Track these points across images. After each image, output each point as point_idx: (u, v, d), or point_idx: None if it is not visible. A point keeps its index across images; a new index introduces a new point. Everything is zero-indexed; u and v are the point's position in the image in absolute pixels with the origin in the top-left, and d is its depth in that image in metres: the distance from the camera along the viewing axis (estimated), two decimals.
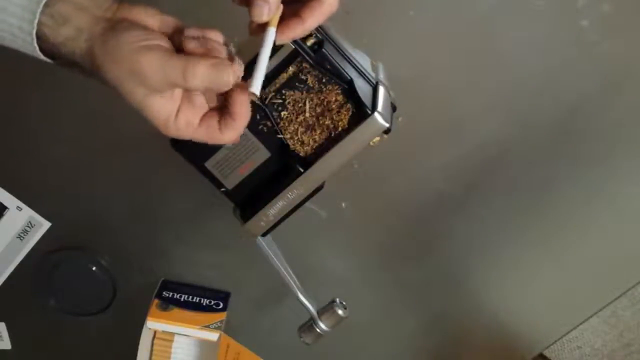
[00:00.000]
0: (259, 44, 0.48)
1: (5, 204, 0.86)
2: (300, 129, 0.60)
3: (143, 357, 0.92)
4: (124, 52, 0.45)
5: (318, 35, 0.59)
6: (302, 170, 0.60)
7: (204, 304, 0.91)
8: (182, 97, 0.49)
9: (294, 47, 0.57)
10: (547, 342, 0.97)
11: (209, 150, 0.61)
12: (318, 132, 0.60)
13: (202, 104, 0.50)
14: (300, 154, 0.60)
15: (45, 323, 0.97)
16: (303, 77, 0.59)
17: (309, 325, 0.75)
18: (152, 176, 0.86)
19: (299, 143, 0.60)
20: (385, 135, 0.59)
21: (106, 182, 0.87)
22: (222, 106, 0.50)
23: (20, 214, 0.87)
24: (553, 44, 0.77)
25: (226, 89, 0.47)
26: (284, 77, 0.59)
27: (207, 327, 0.88)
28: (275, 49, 0.56)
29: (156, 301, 0.90)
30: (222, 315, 0.90)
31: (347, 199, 0.86)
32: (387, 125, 0.58)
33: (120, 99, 0.48)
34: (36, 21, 0.46)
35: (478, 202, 0.87)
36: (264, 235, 0.65)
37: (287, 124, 0.60)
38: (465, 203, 0.87)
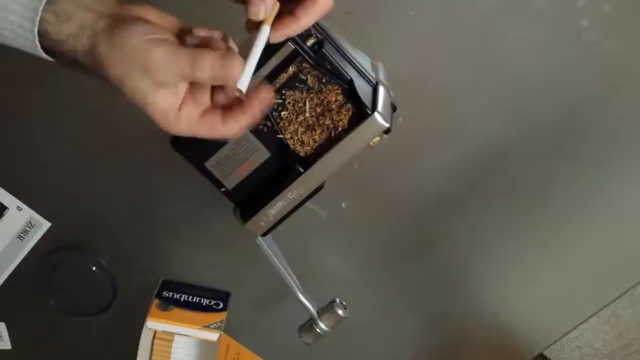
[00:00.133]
0: (252, 41, 0.49)
1: (5, 204, 0.86)
2: (300, 129, 0.60)
3: (143, 357, 0.92)
4: (132, 44, 0.45)
5: (318, 35, 0.59)
6: (302, 170, 0.60)
7: (204, 304, 0.91)
8: (186, 92, 0.49)
9: (294, 47, 0.57)
10: (547, 342, 0.97)
11: (209, 150, 0.61)
12: (318, 132, 0.60)
13: (204, 101, 0.50)
14: (300, 154, 0.60)
15: (45, 323, 0.97)
16: (303, 77, 0.59)
17: (309, 325, 0.75)
18: (152, 176, 0.86)
19: (299, 143, 0.60)
20: (385, 135, 0.59)
21: (106, 182, 0.87)
22: (224, 103, 0.50)
23: (20, 214, 0.87)
24: (553, 44, 0.77)
25: (232, 80, 0.47)
26: (284, 77, 0.59)
27: (207, 327, 0.88)
28: (276, 48, 0.57)
29: (156, 301, 0.90)
30: (222, 315, 0.90)
31: (347, 199, 0.86)
32: (387, 125, 0.58)
33: (121, 97, 0.47)
34: (38, 19, 0.46)
35: (478, 202, 0.87)
36: (264, 235, 0.65)
37: (287, 124, 0.60)
38: (465, 203, 0.87)
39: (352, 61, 0.61)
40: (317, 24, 0.59)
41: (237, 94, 0.48)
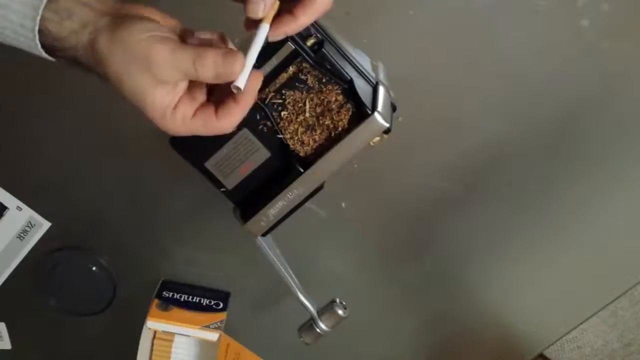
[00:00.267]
0: (251, 40, 0.49)
1: (5, 204, 0.86)
2: (300, 129, 0.60)
3: (143, 357, 0.92)
4: (135, 40, 0.45)
5: (318, 35, 0.59)
6: (302, 170, 0.60)
7: (204, 304, 0.91)
8: (184, 91, 0.49)
9: (294, 47, 0.57)
10: (547, 342, 0.97)
11: (208, 150, 0.61)
12: (318, 132, 0.60)
13: (200, 98, 0.50)
14: (300, 154, 0.60)
15: (45, 323, 0.97)
16: (303, 77, 0.59)
17: (309, 325, 0.75)
18: (152, 176, 0.86)
19: (299, 143, 0.60)
20: (385, 135, 0.59)
21: (106, 182, 0.87)
22: (217, 99, 0.50)
23: (20, 214, 0.87)
24: (553, 44, 0.77)
25: (234, 78, 0.47)
26: (284, 77, 0.59)
27: (207, 327, 0.88)
28: (276, 48, 0.57)
29: (156, 301, 0.90)
30: (222, 315, 0.90)
31: (347, 199, 0.86)
32: (387, 125, 0.58)
33: (119, 96, 0.48)
34: (39, 18, 0.46)
35: (478, 202, 0.87)
36: (264, 235, 0.65)
37: (287, 124, 0.60)
38: (465, 203, 0.87)
39: (352, 61, 0.60)
40: (317, 24, 0.59)
41: (235, 91, 0.48)
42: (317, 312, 0.74)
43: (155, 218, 0.90)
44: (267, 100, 0.59)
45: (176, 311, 0.89)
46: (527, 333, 0.96)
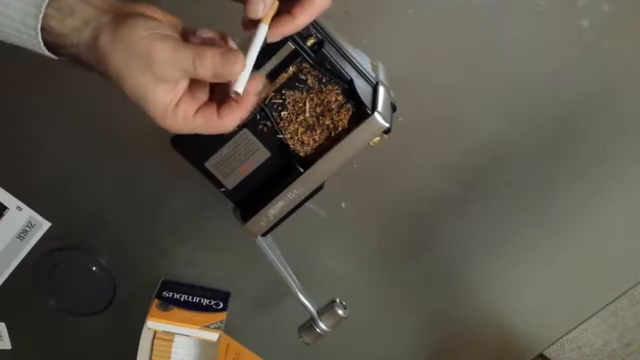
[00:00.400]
0: (250, 40, 0.49)
1: (5, 204, 0.86)
2: (300, 129, 0.60)
3: (143, 357, 0.92)
4: (136, 37, 0.46)
5: (318, 35, 0.59)
6: (302, 170, 0.60)
7: (204, 304, 0.91)
8: (185, 89, 0.49)
9: (294, 47, 0.57)
10: (547, 342, 0.97)
11: (209, 150, 0.61)
12: (318, 132, 0.60)
13: (201, 97, 0.50)
14: (300, 154, 0.60)
15: (45, 323, 0.97)
16: (303, 77, 0.59)
17: (309, 325, 0.75)
18: (152, 176, 0.86)
19: (299, 143, 0.60)
20: (385, 135, 0.59)
21: (106, 182, 0.87)
22: (220, 98, 0.50)
23: (20, 214, 0.87)
24: (553, 44, 0.77)
25: (234, 77, 0.47)
26: (284, 77, 0.59)
27: (207, 327, 0.88)
28: (276, 48, 0.57)
29: (156, 301, 0.90)
30: (222, 315, 0.90)
31: (347, 199, 0.86)
32: (387, 125, 0.58)
33: (120, 96, 0.48)
34: (41, 15, 0.46)
35: (477, 202, 0.87)
36: (264, 235, 0.65)
37: (287, 124, 0.60)
38: (465, 203, 0.87)
39: (352, 61, 0.61)
40: (317, 24, 0.59)
41: (234, 96, 0.48)
42: (317, 312, 0.74)
43: (155, 218, 0.90)
44: (267, 100, 0.59)
45: (176, 311, 0.89)
46: (527, 333, 0.96)
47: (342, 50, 0.60)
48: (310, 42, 0.58)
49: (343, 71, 0.58)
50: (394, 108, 0.63)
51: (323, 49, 0.58)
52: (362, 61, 0.62)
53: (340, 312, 0.74)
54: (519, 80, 0.79)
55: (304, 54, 0.57)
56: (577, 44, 0.77)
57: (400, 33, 0.77)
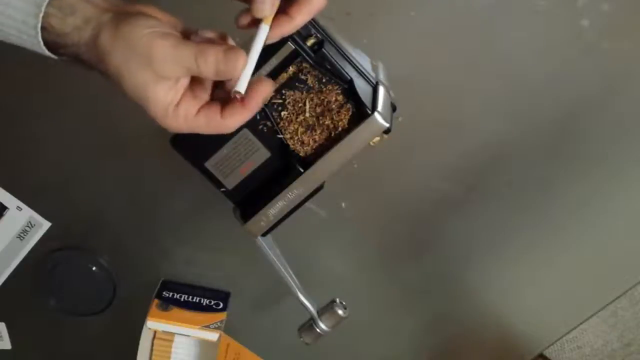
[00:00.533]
0: (250, 41, 0.49)
1: (5, 204, 0.86)
2: (300, 129, 0.60)
3: (143, 357, 0.92)
4: (137, 35, 0.46)
5: (318, 35, 0.59)
6: (302, 170, 0.60)
7: (204, 304, 0.91)
8: (186, 88, 0.49)
9: (294, 47, 0.57)
10: (547, 342, 0.97)
11: (209, 150, 0.61)
12: (318, 132, 0.60)
13: (203, 96, 0.50)
14: (300, 154, 0.60)
15: (45, 323, 0.97)
16: (303, 77, 0.59)
17: (309, 325, 0.75)
18: (152, 176, 0.86)
19: (299, 143, 0.60)
20: (385, 135, 0.59)
21: (106, 182, 0.87)
22: (223, 98, 0.50)
23: (20, 214, 0.87)
24: (553, 44, 0.77)
25: (236, 75, 0.47)
26: (284, 77, 0.59)
27: (207, 327, 0.88)
28: (276, 48, 0.57)
29: (156, 301, 0.90)
30: (222, 315, 0.90)
31: (347, 199, 0.86)
32: (387, 125, 0.58)
33: (120, 95, 0.48)
34: (42, 15, 0.46)
35: (478, 202, 0.87)
36: (264, 235, 0.65)
37: (287, 124, 0.60)
38: (465, 203, 0.87)
39: (352, 61, 0.61)
40: (317, 24, 0.59)
41: (237, 96, 0.48)
42: (317, 312, 0.74)
43: (155, 218, 0.90)
44: (267, 100, 0.59)
45: (176, 311, 0.89)
46: (527, 333, 0.96)
47: (342, 50, 0.60)
48: (310, 42, 0.58)
49: (343, 71, 0.58)
50: (394, 108, 0.63)
51: (323, 49, 0.58)
52: (362, 61, 0.62)
53: (340, 312, 0.74)
54: (519, 80, 0.79)
55: (304, 54, 0.57)
56: (577, 44, 0.77)
57: (401, 34, 0.77)
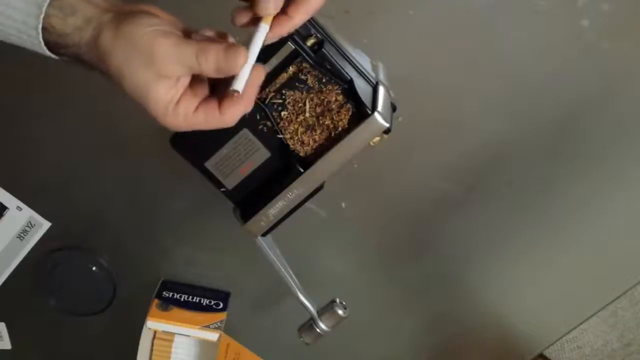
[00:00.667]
0: (249, 41, 0.49)
1: (5, 204, 0.86)
2: (300, 129, 0.60)
3: (143, 357, 0.92)
4: (139, 34, 0.46)
5: (318, 35, 0.59)
6: (302, 170, 0.60)
7: (204, 304, 0.91)
8: (186, 86, 0.49)
9: (294, 47, 0.57)
10: (547, 342, 0.97)
11: (209, 150, 0.61)
12: (318, 132, 0.60)
13: (202, 93, 0.50)
14: (300, 154, 0.60)
15: (45, 323, 0.97)
16: (303, 77, 0.59)
17: (309, 325, 0.75)
18: (152, 176, 0.86)
19: (299, 143, 0.60)
20: (385, 135, 0.59)
21: (106, 182, 0.87)
22: (220, 93, 0.50)
23: (20, 214, 0.87)
24: (553, 44, 0.77)
25: (236, 71, 0.47)
26: (284, 77, 0.59)
27: (207, 327, 0.88)
28: (276, 48, 0.57)
29: (156, 301, 0.90)
30: (222, 315, 0.90)
31: (347, 199, 0.86)
32: (387, 125, 0.58)
33: (120, 96, 0.48)
34: (42, 15, 0.46)
35: (478, 202, 0.87)
36: (264, 235, 0.65)
37: (287, 124, 0.60)
38: (465, 203, 0.87)
39: (352, 61, 0.61)
40: (317, 24, 0.59)
41: (235, 95, 0.48)
42: (317, 312, 0.74)
43: (155, 218, 0.90)
44: (267, 100, 0.59)
45: (176, 311, 0.89)
46: (527, 333, 0.96)
47: (342, 50, 0.60)
48: (310, 42, 0.58)
49: (343, 71, 0.58)
50: (394, 108, 0.63)
51: (323, 49, 0.58)
52: (362, 61, 0.62)
53: (340, 312, 0.74)
54: (519, 80, 0.79)
55: (304, 54, 0.57)
56: (577, 44, 0.77)
57: (401, 33, 0.77)
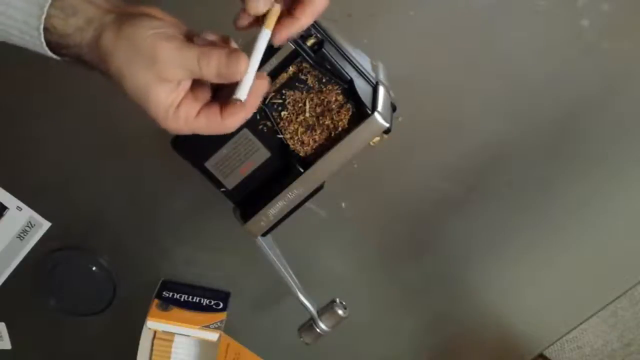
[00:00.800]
0: (251, 46, 0.49)
1: (5, 204, 0.86)
2: (300, 129, 0.60)
3: (143, 357, 0.92)
4: (141, 36, 0.46)
5: (318, 35, 0.59)
6: (302, 170, 0.60)
7: (204, 304, 0.91)
8: (187, 90, 0.49)
9: (294, 47, 0.57)
10: (547, 342, 0.97)
11: (208, 150, 0.61)
12: (318, 132, 0.60)
13: (204, 98, 0.50)
14: (300, 154, 0.60)
15: (45, 323, 0.97)
16: (303, 77, 0.59)
17: (309, 325, 0.75)
18: (152, 176, 0.86)
19: (299, 143, 0.60)
20: (385, 135, 0.59)
21: (106, 182, 0.87)
22: (222, 98, 0.50)
23: (20, 214, 0.87)
24: (553, 44, 0.77)
25: (238, 78, 0.47)
26: (284, 77, 0.59)
27: (207, 327, 0.88)
28: (276, 48, 0.56)
29: (156, 301, 0.90)
30: (222, 315, 0.90)
31: (347, 199, 0.86)
32: (387, 125, 0.58)
33: (120, 96, 0.48)
34: (44, 16, 0.46)
35: (478, 202, 0.87)
36: (264, 235, 0.65)
37: (287, 124, 0.60)
38: (465, 203, 0.87)
39: (352, 61, 0.61)
40: (318, 24, 0.59)
41: (237, 103, 0.48)
42: (317, 312, 0.74)
43: (155, 218, 0.90)
44: (267, 100, 0.59)
45: (176, 311, 0.89)
46: (527, 333, 0.96)
47: (342, 50, 0.60)
48: (310, 42, 0.58)
49: (343, 71, 0.58)
50: (394, 108, 0.63)
51: (323, 49, 0.58)
52: (362, 61, 0.62)
53: (340, 312, 0.74)
54: (519, 80, 0.79)
55: (304, 54, 0.57)
56: (577, 44, 0.77)
57: (401, 34, 0.77)
